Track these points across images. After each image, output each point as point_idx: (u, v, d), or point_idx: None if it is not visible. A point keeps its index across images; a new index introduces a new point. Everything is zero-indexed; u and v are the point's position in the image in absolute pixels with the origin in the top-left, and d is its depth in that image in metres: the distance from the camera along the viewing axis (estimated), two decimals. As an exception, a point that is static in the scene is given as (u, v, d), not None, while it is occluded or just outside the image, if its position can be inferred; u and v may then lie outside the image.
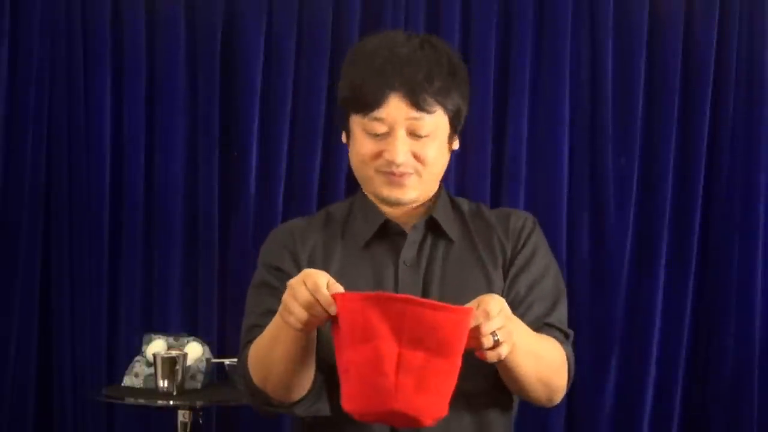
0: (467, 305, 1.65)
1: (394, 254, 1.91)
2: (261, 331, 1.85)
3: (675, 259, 3.67)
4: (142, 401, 3.31)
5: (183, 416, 3.26)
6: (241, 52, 3.69)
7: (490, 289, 1.88)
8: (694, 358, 3.70)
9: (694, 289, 3.67)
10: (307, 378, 1.82)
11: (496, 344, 1.65)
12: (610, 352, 3.63)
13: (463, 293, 1.81)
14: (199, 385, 3.41)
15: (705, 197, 3.67)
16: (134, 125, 3.70)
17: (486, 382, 1.89)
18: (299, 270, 1.83)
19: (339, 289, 1.66)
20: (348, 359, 1.63)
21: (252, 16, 3.68)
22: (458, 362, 1.62)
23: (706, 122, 3.65)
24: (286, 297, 1.69)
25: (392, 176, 1.86)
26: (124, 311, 3.70)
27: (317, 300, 1.64)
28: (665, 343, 3.66)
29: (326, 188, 3.66)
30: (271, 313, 1.80)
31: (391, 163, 1.84)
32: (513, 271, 1.94)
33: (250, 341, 1.89)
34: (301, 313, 1.66)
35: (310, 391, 1.84)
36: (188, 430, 3.27)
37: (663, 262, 3.65)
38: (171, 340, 3.46)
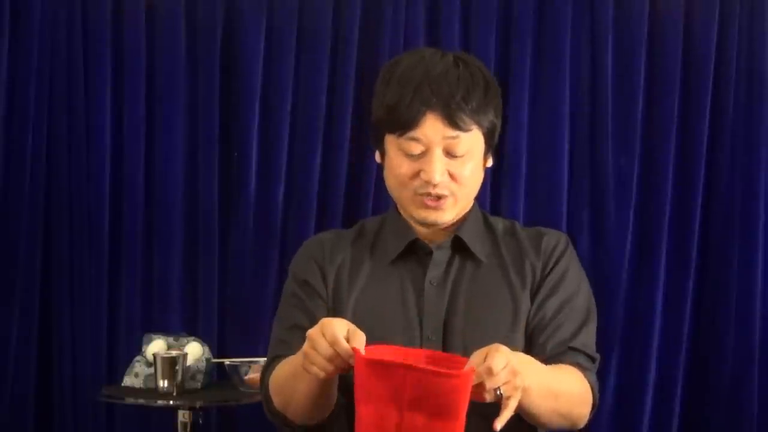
0: (475, 355, 1.66)
1: (422, 272, 1.90)
2: (286, 348, 1.86)
3: (675, 259, 3.66)
4: (142, 401, 3.31)
5: (183, 416, 3.26)
6: (241, 52, 3.69)
7: (516, 312, 1.87)
8: (694, 358, 3.69)
9: (694, 289, 3.67)
10: (328, 407, 1.82)
11: (500, 398, 1.65)
12: (610, 352, 3.62)
13: (489, 315, 1.82)
14: (199, 385, 3.41)
15: (705, 197, 3.67)
16: (134, 125, 3.70)
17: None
18: (326, 286, 1.83)
19: (359, 338, 1.65)
20: (357, 412, 1.66)
21: (252, 15, 3.68)
22: (461, 422, 1.63)
23: (706, 122, 3.65)
24: (306, 348, 1.68)
25: (428, 199, 1.84)
26: (124, 311, 3.70)
27: (337, 353, 1.65)
28: (665, 343, 3.66)
29: (326, 188, 3.66)
30: (297, 328, 1.82)
31: (428, 183, 1.82)
32: (542, 293, 1.92)
33: (275, 358, 1.90)
34: (323, 364, 1.66)
35: (330, 414, 1.84)
36: (188, 430, 3.27)
37: (663, 262, 3.65)
38: (171, 340, 3.46)
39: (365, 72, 3.56)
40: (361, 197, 3.57)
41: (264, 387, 1.89)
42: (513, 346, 1.88)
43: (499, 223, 1.98)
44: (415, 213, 1.87)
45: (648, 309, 3.65)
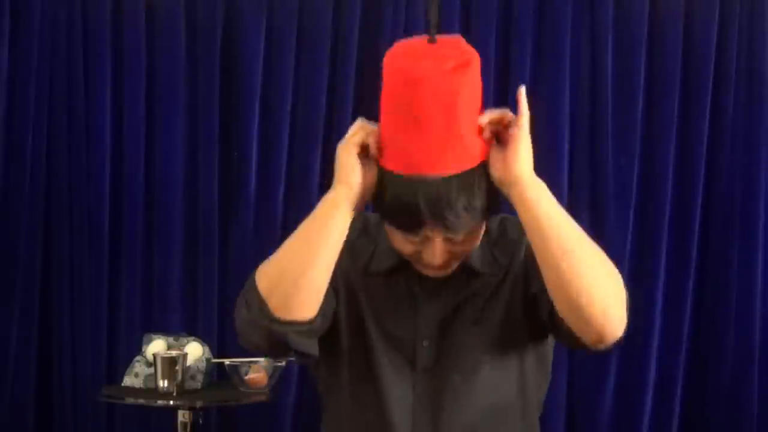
0: None
1: (416, 281, 1.89)
2: None
3: (675, 259, 3.67)
4: (142, 401, 3.31)
5: (183, 416, 3.26)
6: (241, 52, 3.69)
7: (509, 322, 1.86)
8: (694, 358, 3.70)
9: (694, 289, 3.67)
10: (317, 295, 1.78)
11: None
12: (610, 352, 3.63)
13: (479, 326, 1.81)
14: (199, 385, 3.41)
15: (705, 197, 3.67)
16: (134, 125, 3.70)
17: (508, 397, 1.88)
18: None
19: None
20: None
21: (252, 15, 3.68)
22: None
23: (706, 122, 3.65)
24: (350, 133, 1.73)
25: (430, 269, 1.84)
26: (124, 311, 3.70)
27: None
28: (665, 343, 3.66)
29: (326, 188, 3.65)
30: None
31: (429, 264, 1.81)
32: (531, 270, 1.87)
33: None
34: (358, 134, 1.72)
35: (311, 320, 1.79)
36: (188, 430, 3.27)
37: (663, 262, 3.65)
38: (171, 340, 3.46)
39: (365, 72, 3.57)
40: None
41: (250, 281, 1.85)
42: (511, 335, 1.87)
43: (494, 226, 1.95)
44: (418, 268, 1.85)
45: (648, 309, 3.66)
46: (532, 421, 1.94)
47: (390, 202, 1.73)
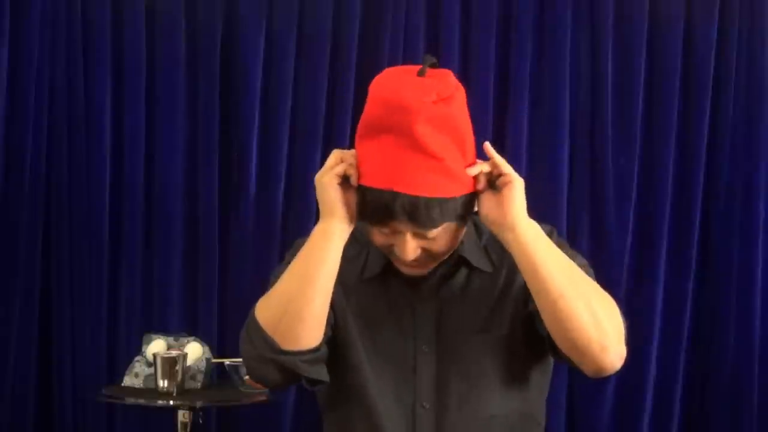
0: None
1: (412, 282, 1.89)
2: None
3: (675, 259, 3.67)
4: (142, 401, 3.31)
5: (183, 416, 3.26)
6: (241, 52, 3.69)
7: (513, 333, 1.86)
8: (694, 358, 3.70)
9: (694, 289, 3.67)
10: (320, 324, 1.80)
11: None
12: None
13: (483, 334, 1.82)
14: (199, 385, 3.41)
15: (705, 197, 3.67)
16: (134, 125, 3.70)
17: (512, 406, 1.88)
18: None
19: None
20: None
21: (252, 16, 3.68)
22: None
23: (706, 122, 3.65)
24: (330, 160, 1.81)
25: (407, 265, 1.84)
26: (124, 311, 3.70)
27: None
28: (665, 343, 3.66)
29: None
30: None
31: (400, 259, 1.82)
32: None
33: None
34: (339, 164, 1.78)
35: (317, 348, 1.82)
36: (188, 430, 3.27)
37: (663, 262, 3.65)
38: (171, 340, 3.47)
39: (365, 73, 3.56)
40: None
41: (250, 317, 1.87)
42: (514, 346, 1.87)
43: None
44: (396, 265, 1.87)
45: (648, 309, 3.65)
46: (538, 428, 1.94)
47: (361, 197, 1.78)
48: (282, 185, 3.68)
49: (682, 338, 3.66)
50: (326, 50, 3.67)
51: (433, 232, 1.78)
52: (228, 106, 3.70)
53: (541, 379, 1.94)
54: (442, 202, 1.74)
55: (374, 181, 1.75)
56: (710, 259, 3.69)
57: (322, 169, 1.81)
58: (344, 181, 1.79)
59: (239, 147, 3.70)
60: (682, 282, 3.66)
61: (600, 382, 3.67)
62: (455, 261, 1.88)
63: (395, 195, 1.73)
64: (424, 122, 1.73)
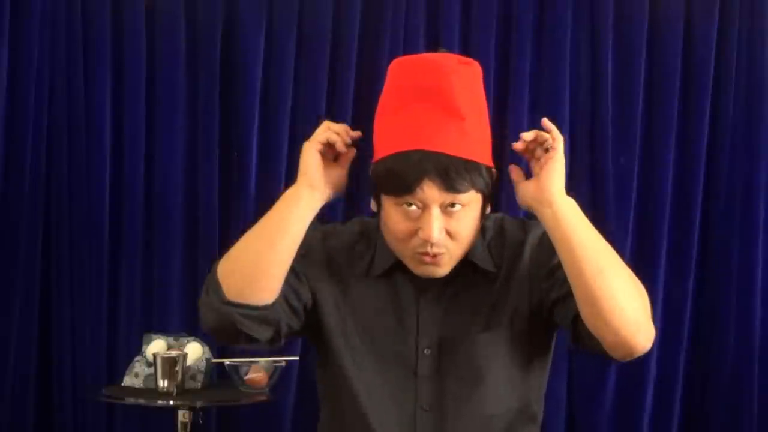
0: None
1: (417, 282, 1.88)
2: None
3: (675, 259, 3.67)
4: (142, 401, 3.31)
5: (183, 416, 3.26)
6: (241, 52, 3.69)
7: (515, 331, 1.86)
8: (694, 358, 3.70)
9: (694, 289, 3.67)
10: (272, 284, 1.81)
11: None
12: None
13: (484, 334, 1.82)
14: (199, 385, 3.41)
15: (705, 196, 3.67)
16: (134, 125, 3.70)
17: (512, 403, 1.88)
18: (307, 279, 1.84)
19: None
20: None
21: (252, 16, 3.68)
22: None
23: (706, 122, 3.65)
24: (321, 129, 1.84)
25: (426, 257, 1.83)
26: (124, 311, 3.70)
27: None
28: (665, 343, 3.65)
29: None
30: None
31: (426, 242, 1.81)
32: (546, 274, 1.87)
33: None
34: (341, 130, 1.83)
35: (264, 307, 1.82)
36: (188, 430, 3.27)
37: (663, 262, 3.65)
38: (171, 340, 3.46)
39: (365, 73, 3.56)
40: (361, 197, 3.57)
41: (212, 268, 1.87)
42: (514, 342, 1.87)
43: (490, 224, 1.95)
44: (413, 268, 1.86)
45: (648, 309, 3.65)
46: (535, 426, 1.94)
47: (387, 164, 1.80)
48: (282, 185, 3.68)
49: (682, 338, 3.66)
50: (326, 50, 3.66)
51: (462, 199, 1.78)
52: (228, 106, 3.70)
53: (540, 374, 1.94)
54: (469, 166, 1.75)
55: (401, 146, 1.79)
56: (710, 259, 3.69)
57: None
58: (333, 160, 1.85)
59: (239, 147, 3.70)
60: (682, 282, 3.66)
61: (600, 381, 3.67)
62: (461, 262, 1.88)
63: (425, 154, 1.75)
64: (456, 79, 1.80)
